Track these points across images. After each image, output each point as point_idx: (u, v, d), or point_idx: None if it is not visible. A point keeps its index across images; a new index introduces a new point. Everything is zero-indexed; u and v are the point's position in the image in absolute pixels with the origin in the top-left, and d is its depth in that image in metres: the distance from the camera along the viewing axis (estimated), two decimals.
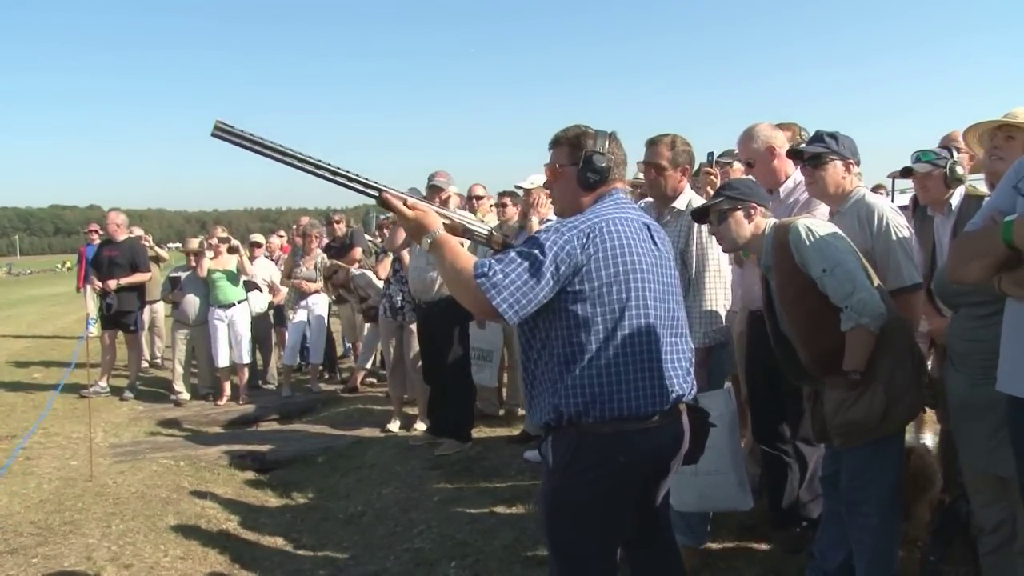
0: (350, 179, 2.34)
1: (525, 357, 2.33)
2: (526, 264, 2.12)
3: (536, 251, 2.13)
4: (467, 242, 2.52)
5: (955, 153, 3.34)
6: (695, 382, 2.41)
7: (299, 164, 2.28)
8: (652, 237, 2.33)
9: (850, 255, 2.71)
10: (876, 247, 3.04)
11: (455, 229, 2.39)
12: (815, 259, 2.68)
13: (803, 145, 3.33)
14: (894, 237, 3.04)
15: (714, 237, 3.17)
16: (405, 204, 2.31)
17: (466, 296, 2.16)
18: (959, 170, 3.30)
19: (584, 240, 2.16)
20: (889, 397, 2.65)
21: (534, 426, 4.37)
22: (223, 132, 2.22)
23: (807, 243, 2.70)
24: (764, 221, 2.94)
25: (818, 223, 2.84)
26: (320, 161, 2.30)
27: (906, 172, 3.49)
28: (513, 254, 2.15)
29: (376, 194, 2.35)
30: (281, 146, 2.26)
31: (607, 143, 2.34)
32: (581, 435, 2.20)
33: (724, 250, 3.22)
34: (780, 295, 2.87)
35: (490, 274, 2.10)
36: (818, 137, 3.21)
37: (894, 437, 2.75)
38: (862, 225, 3.07)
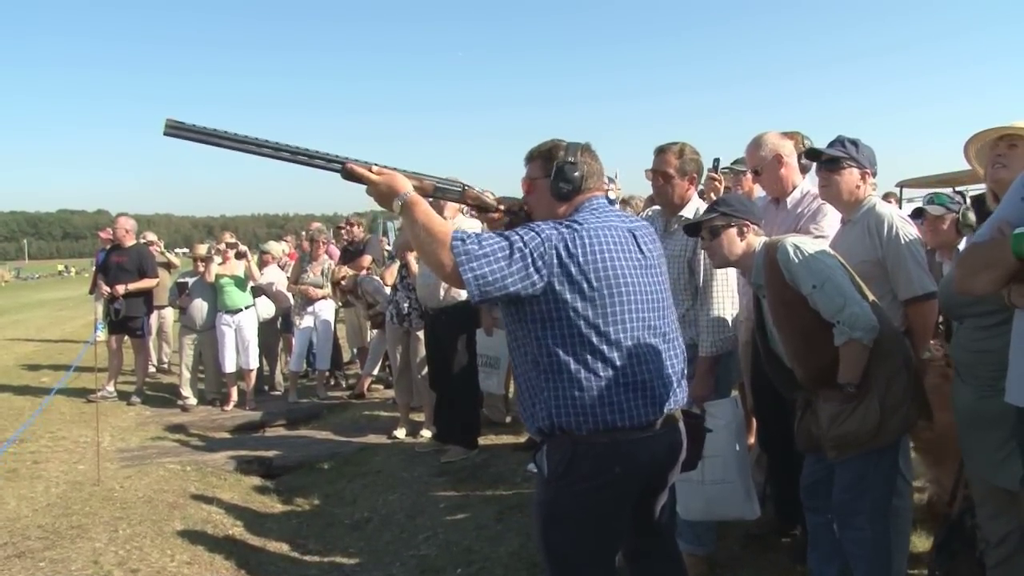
0: (310, 156, 2.28)
1: (516, 367, 2.33)
2: (504, 244, 2.11)
3: (515, 237, 2.13)
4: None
5: (967, 200, 3.35)
6: (687, 388, 2.40)
7: (257, 149, 2.23)
8: (638, 243, 2.32)
9: (839, 270, 2.71)
10: (887, 256, 3.04)
11: (426, 190, 2.34)
12: (804, 276, 2.68)
13: (824, 147, 3.30)
14: (904, 247, 3.02)
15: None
16: (371, 170, 2.27)
17: (435, 257, 2.12)
18: (971, 216, 3.29)
19: (565, 243, 2.16)
20: (884, 409, 2.64)
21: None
22: (175, 129, 2.17)
23: (796, 261, 2.71)
24: (756, 239, 2.94)
25: (806, 241, 2.84)
26: (277, 143, 2.24)
27: (917, 213, 3.50)
28: (494, 234, 2.16)
29: (339, 167, 2.28)
30: (235, 135, 2.22)
31: (579, 154, 2.35)
32: (576, 445, 2.19)
33: (715, 266, 3.22)
34: (772, 313, 2.87)
35: (467, 240, 2.09)
36: (839, 141, 3.19)
37: (889, 448, 2.73)
38: (871, 235, 3.06)
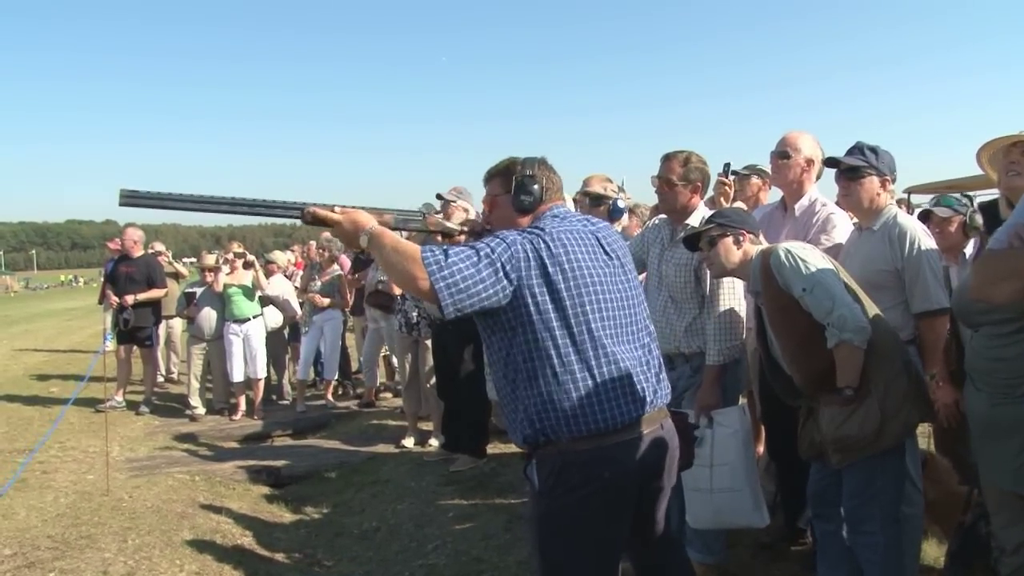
0: (269, 206, 2.35)
1: (496, 377, 2.34)
2: (470, 252, 2.12)
3: (481, 245, 2.15)
4: None
5: (975, 203, 3.34)
6: (668, 385, 2.40)
7: (214, 207, 2.31)
8: (602, 246, 2.34)
9: (830, 274, 2.73)
10: (906, 268, 3.04)
11: (388, 223, 2.37)
12: (795, 280, 2.71)
13: (843, 156, 3.29)
14: (925, 261, 3.03)
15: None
16: (332, 211, 2.30)
17: (408, 273, 2.11)
18: (978, 218, 3.29)
19: (532, 246, 2.18)
20: (884, 412, 2.65)
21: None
22: (130, 198, 2.25)
23: (787, 265, 2.74)
24: (753, 248, 2.98)
25: (798, 246, 2.86)
26: (233, 199, 2.31)
27: (925, 215, 3.50)
28: (461, 247, 2.17)
29: (299, 214, 2.33)
30: (191, 195, 2.28)
31: (536, 167, 2.40)
32: (563, 455, 2.18)
33: (713, 275, 3.25)
34: (769, 319, 2.90)
35: (436, 251, 2.11)
36: (858, 148, 3.19)
37: (894, 451, 2.72)
38: (892, 246, 3.07)
